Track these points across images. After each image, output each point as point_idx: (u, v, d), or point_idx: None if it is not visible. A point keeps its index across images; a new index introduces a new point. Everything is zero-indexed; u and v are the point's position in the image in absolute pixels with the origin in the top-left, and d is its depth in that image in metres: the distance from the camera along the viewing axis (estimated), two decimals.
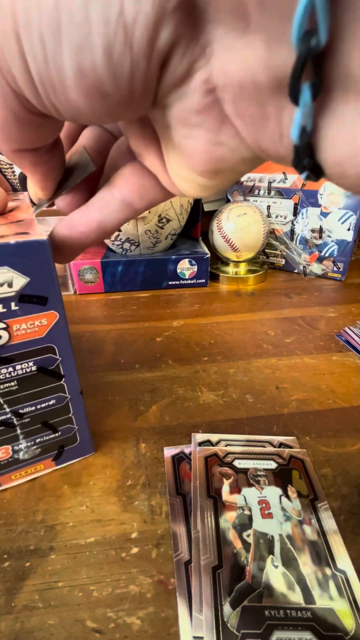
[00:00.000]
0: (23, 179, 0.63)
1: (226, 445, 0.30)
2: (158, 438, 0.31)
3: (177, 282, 0.62)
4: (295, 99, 0.09)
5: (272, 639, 0.19)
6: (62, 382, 0.25)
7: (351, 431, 0.31)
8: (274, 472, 0.27)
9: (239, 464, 0.28)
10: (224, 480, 0.27)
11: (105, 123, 0.13)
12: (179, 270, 0.61)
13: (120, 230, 0.57)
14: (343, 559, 0.22)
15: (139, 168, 0.17)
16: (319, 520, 0.24)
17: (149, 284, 0.61)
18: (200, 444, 0.30)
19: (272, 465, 0.28)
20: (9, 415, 0.24)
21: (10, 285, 0.20)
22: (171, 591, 0.21)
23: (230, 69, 0.10)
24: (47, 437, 0.27)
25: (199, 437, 0.31)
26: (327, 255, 0.63)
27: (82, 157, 0.18)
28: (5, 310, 0.21)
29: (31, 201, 0.26)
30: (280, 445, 0.30)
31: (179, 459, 0.29)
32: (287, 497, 0.26)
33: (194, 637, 0.19)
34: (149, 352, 0.44)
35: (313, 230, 0.62)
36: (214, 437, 0.30)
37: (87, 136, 0.19)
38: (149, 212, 0.54)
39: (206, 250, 0.62)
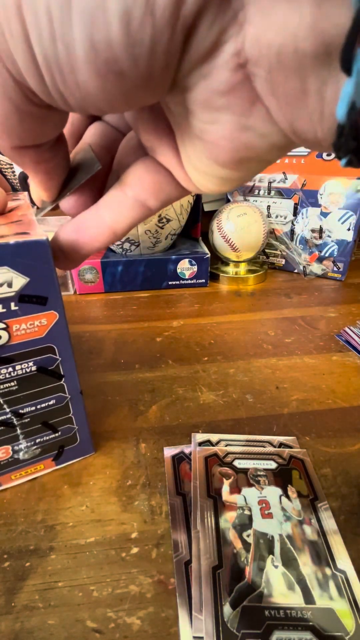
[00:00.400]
0: (23, 179, 0.63)
1: (226, 445, 0.30)
2: (158, 438, 0.31)
3: (177, 282, 0.62)
4: (347, 67, 0.08)
5: (272, 639, 0.19)
6: (62, 382, 0.25)
7: (351, 431, 0.31)
8: (274, 472, 0.27)
9: (239, 464, 0.28)
10: (224, 480, 0.27)
11: (117, 111, 0.12)
12: (179, 270, 0.61)
13: (122, 237, 0.56)
14: (343, 559, 0.22)
15: (151, 164, 0.16)
16: (319, 520, 0.24)
17: (149, 284, 0.61)
18: (200, 444, 0.30)
19: (272, 465, 0.28)
20: (9, 415, 0.24)
21: (10, 285, 0.20)
22: (171, 591, 0.21)
23: (267, 37, 0.09)
24: (47, 437, 0.27)
25: (199, 437, 0.31)
26: (327, 255, 0.63)
27: (87, 155, 0.17)
28: (5, 310, 0.21)
29: (31, 201, 0.26)
30: (280, 445, 0.30)
31: (179, 459, 0.29)
32: (287, 497, 0.26)
33: (194, 637, 0.19)
34: (149, 352, 0.44)
35: (313, 230, 0.62)
36: (214, 437, 0.30)
37: (93, 133, 0.18)
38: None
39: (206, 250, 0.62)
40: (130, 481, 0.27)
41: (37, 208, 0.20)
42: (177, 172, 0.16)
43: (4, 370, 0.23)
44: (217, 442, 0.30)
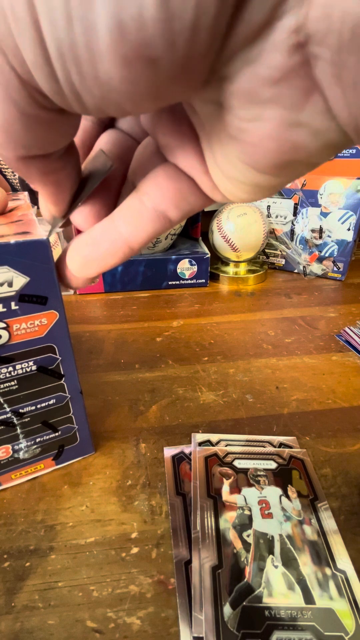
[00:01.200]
0: (23, 179, 0.63)
1: (226, 445, 0.30)
2: (158, 438, 0.31)
3: (177, 282, 0.62)
4: None
5: (272, 639, 0.19)
6: (62, 382, 0.25)
7: (351, 431, 0.31)
8: (274, 472, 0.27)
9: (239, 464, 0.28)
10: (224, 480, 0.27)
11: (142, 111, 0.10)
12: (179, 270, 0.61)
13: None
14: (343, 559, 0.22)
15: (172, 171, 0.14)
16: (319, 520, 0.24)
17: (149, 284, 0.61)
18: (200, 444, 0.30)
19: (272, 465, 0.28)
20: (9, 415, 0.24)
21: (10, 284, 0.20)
22: (171, 591, 0.21)
23: (343, 5, 0.07)
24: (47, 437, 0.27)
25: (199, 437, 0.31)
26: (327, 255, 0.63)
27: (98, 159, 0.16)
28: (5, 309, 0.21)
29: (32, 201, 0.26)
30: (280, 445, 0.30)
31: (179, 459, 0.29)
32: (287, 497, 0.26)
33: (194, 637, 0.19)
34: (149, 352, 0.44)
35: (313, 230, 0.62)
36: (214, 437, 0.30)
37: (105, 141, 0.16)
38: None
39: (206, 250, 0.62)
40: (130, 481, 0.27)
41: (48, 223, 0.19)
42: (201, 179, 0.14)
43: (4, 370, 0.23)
44: (217, 442, 0.30)
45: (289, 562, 0.22)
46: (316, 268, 0.65)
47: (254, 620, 0.19)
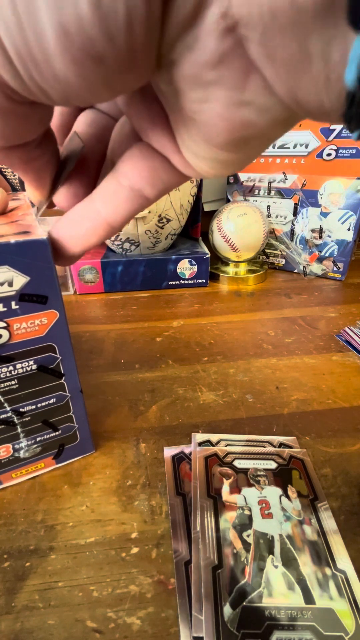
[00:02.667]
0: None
1: (226, 445, 0.30)
2: (158, 438, 0.31)
3: (177, 282, 0.62)
4: (356, 22, 0.07)
5: (272, 639, 0.19)
6: (62, 381, 0.25)
7: (351, 431, 0.31)
8: (274, 472, 0.27)
9: (239, 464, 0.28)
10: (224, 480, 0.27)
11: (103, 100, 0.11)
12: (179, 270, 0.61)
13: (120, 230, 0.57)
14: (343, 559, 0.22)
15: (146, 150, 0.15)
16: (319, 520, 0.24)
17: (149, 284, 0.61)
18: (200, 444, 0.30)
19: (272, 465, 0.28)
20: (9, 414, 0.24)
21: (10, 284, 0.20)
22: (171, 591, 0.21)
23: None
24: (48, 436, 0.27)
25: (199, 437, 0.31)
26: (327, 255, 0.63)
27: (73, 141, 0.17)
28: (5, 309, 0.21)
29: (31, 203, 0.26)
30: (280, 445, 0.30)
31: (179, 459, 0.29)
32: (287, 497, 0.26)
33: (194, 637, 0.19)
34: (149, 352, 0.44)
35: (313, 230, 0.62)
36: (214, 437, 0.30)
37: (83, 122, 0.17)
38: (149, 212, 0.54)
39: (206, 250, 0.62)
40: (130, 481, 0.27)
41: (34, 206, 0.20)
42: (174, 157, 0.14)
43: (4, 369, 0.23)
44: (217, 442, 0.30)
45: (289, 562, 0.22)
46: (316, 268, 0.65)
47: (254, 620, 0.19)
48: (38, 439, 0.27)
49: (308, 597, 0.20)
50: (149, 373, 0.40)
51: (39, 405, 0.25)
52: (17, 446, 0.26)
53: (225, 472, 0.27)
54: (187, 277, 0.61)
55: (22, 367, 0.23)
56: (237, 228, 0.59)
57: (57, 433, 0.27)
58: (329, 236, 0.61)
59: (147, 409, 0.35)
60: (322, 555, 0.22)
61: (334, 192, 0.58)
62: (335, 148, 0.56)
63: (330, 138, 0.56)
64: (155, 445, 0.30)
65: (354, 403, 0.35)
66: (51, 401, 0.26)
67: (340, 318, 0.50)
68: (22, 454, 0.26)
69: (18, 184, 0.64)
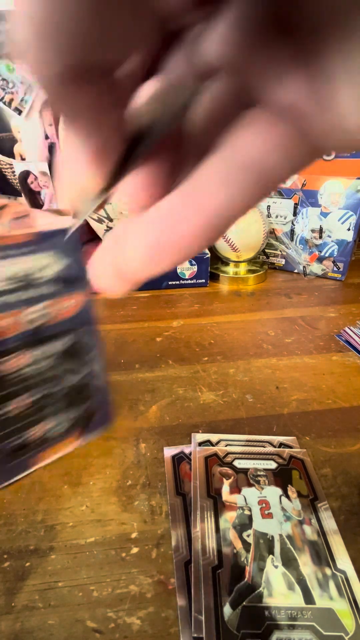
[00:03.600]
0: (23, 178, 0.63)
1: (226, 445, 0.30)
2: (158, 438, 0.31)
3: (177, 282, 0.62)
4: None
5: (272, 639, 0.19)
6: (91, 355, 0.27)
7: (351, 431, 0.31)
8: (274, 472, 0.27)
9: (239, 464, 0.28)
10: (224, 480, 0.27)
11: None
12: (179, 270, 0.61)
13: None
14: (343, 559, 0.22)
15: (265, 117, 0.10)
16: (319, 520, 0.24)
17: (149, 284, 0.61)
18: (200, 444, 0.30)
19: (272, 465, 0.28)
20: (51, 390, 0.26)
21: (47, 269, 0.22)
22: (171, 591, 0.21)
23: None
24: (79, 409, 0.28)
25: (199, 437, 0.31)
26: (327, 255, 0.63)
27: (167, 100, 0.11)
28: (47, 291, 0.23)
29: (34, 205, 0.28)
30: (280, 445, 0.30)
31: (179, 459, 0.29)
32: (287, 497, 0.26)
33: (194, 637, 0.19)
34: (149, 352, 0.43)
35: (313, 230, 0.62)
36: (214, 437, 0.30)
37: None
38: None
39: (206, 250, 0.62)
40: (130, 481, 0.27)
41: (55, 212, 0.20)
42: (312, 118, 0.09)
43: (44, 348, 0.24)
44: (217, 442, 0.30)
45: (289, 562, 0.22)
46: (316, 268, 0.65)
47: (254, 620, 0.19)
48: (72, 413, 0.28)
49: (308, 597, 0.20)
50: (149, 373, 0.40)
51: (71, 382, 0.27)
52: (56, 421, 0.27)
53: (225, 472, 0.27)
54: (187, 277, 0.61)
55: (62, 344, 0.25)
56: (237, 228, 0.59)
57: (85, 405, 0.29)
58: (329, 236, 0.61)
59: (147, 409, 0.35)
60: (322, 555, 0.22)
61: (334, 192, 0.58)
62: None
63: None
64: (155, 445, 0.30)
65: (354, 403, 0.35)
66: (83, 375, 0.27)
67: (340, 318, 0.50)
68: (55, 430, 0.28)
69: (18, 184, 0.64)
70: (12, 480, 0.27)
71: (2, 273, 0.21)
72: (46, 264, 0.22)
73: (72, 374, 0.27)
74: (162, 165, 0.12)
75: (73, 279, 0.24)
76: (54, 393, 0.26)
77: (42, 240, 0.21)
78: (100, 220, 0.59)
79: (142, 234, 0.11)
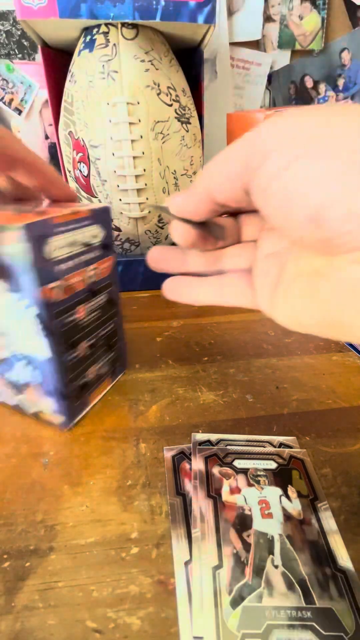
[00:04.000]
0: None
1: (226, 445, 0.30)
2: (158, 438, 0.31)
3: None
4: None
5: (272, 639, 0.19)
6: (116, 309, 0.34)
7: (351, 431, 0.31)
8: (274, 472, 0.27)
9: (239, 464, 0.28)
10: (224, 480, 0.27)
11: None
12: None
13: (120, 230, 0.57)
14: (343, 559, 0.22)
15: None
16: (319, 520, 0.24)
17: (149, 284, 0.61)
18: (200, 444, 0.30)
19: (272, 465, 0.28)
20: (96, 339, 0.32)
21: (97, 237, 0.29)
22: (171, 591, 0.21)
23: None
24: (110, 356, 0.34)
25: (199, 437, 0.31)
26: None
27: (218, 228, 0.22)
28: (95, 255, 0.29)
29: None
30: (280, 445, 0.30)
31: (179, 459, 0.29)
32: (287, 497, 0.26)
33: (194, 637, 0.19)
34: (149, 352, 0.44)
35: None
36: (214, 437, 0.30)
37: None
38: (149, 212, 0.54)
39: None
40: (130, 481, 0.27)
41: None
42: (254, 301, 0.22)
43: (94, 301, 0.30)
44: (217, 442, 0.30)
45: (289, 562, 0.22)
46: None
47: (254, 620, 0.19)
48: (105, 360, 0.34)
49: (308, 597, 0.20)
50: (149, 373, 0.40)
51: (108, 329, 0.33)
52: (98, 366, 0.33)
53: (225, 472, 0.27)
54: None
55: (101, 299, 0.31)
56: None
57: (112, 354, 0.35)
58: None
59: (147, 409, 0.35)
60: (322, 555, 0.22)
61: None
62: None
63: None
64: (155, 445, 0.30)
65: (354, 403, 0.35)
66: (112, 326, 0.34)
67: None
68: (103, 370, 0.34)
69: None
70: (78, 418, 0.33)
71: (80, 239, 0.27)
72: (96, 233, 0.29)
73: (108, 323, 0.33)
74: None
75: (108, 245, 0.31)
76: (100, 338, 0.32)
77: (94, 216, 0.28)
78: None
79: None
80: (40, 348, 0.27)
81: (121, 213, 0.54)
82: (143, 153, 0.49)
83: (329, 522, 0.24)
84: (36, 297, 0.25)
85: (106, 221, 0.30)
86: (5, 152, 0.26)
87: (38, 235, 0.23)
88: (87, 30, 0.48)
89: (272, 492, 0.26)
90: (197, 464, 0.28)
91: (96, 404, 0.34)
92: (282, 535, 0.23)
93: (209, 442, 0.30)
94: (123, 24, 0.46)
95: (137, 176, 0.51)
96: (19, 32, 0.66)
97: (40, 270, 0.24)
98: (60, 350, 0.28)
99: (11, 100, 0.69)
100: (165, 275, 0.24)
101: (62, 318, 0.27)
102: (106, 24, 0.46)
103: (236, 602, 0.20)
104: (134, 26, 0.46)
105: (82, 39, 0.49)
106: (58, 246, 0.25)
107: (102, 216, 0.29)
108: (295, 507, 0.25)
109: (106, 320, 0.32)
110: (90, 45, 0.47)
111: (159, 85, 0.48)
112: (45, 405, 0.31)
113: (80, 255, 0.28)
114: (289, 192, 0.14)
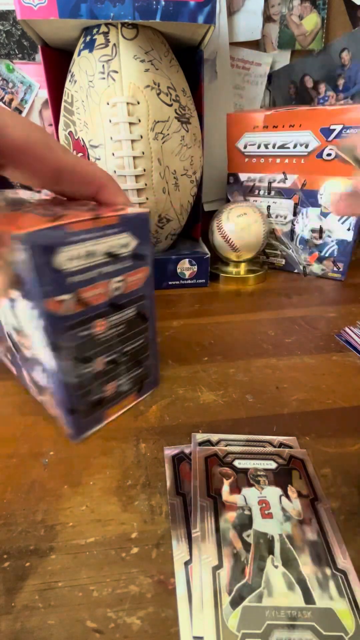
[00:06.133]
0: None
1: (226, 445, 0.30)
2: (158, 438, 0.31)
3: (177, 282, 0.62)
4: None
5: (272, 639, 0.19)
6: (147, 325, 0.31)
7: (351, 431, 0.31)
8: (274, 472, 0.27)
9: (239, 464, 0.28)
10: (224, 480, 0.27)
11: None
12: (179, 270, 0.61)
13: None
14: (343, 559, 0.22)
15: None
16: (319, 520, 0.24)
17: None
18: (200, 444, 0.30)
19: (272, 465, 0.28)
20: (118, 354, 0.30)
21: (127, 246, 0.26)
22: (171, 591, 0.21)
23: None
24: (136, 372, 0.32)
25: (199, 437, 0.31)
26: (327, 255, 0.63)
27: None
28: (124, 266, 0.27)
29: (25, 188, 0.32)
30: (280, 445, 0.30)
31: (179, 459, 0.29)
32: (287, 497, 0.26)
33: (194, 637, 0.19)
34: None
35: (313, 230, 0.62)
36: (214, 437, 0.30)
37: None
38: (149, 211, 0.54)
39: (206, 250, 0.62)
40: (130, 481, 0.27)
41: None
42: None
43: (118, 315, 0.28)
44: (217, 442, 0.30)
45: (289, 562, 0.22)
46: (316, 268, 0.65)
47: (254, 620, 0.19)
48: (131, 375, 0.32)
49: (308, 597, 0.20)
50: None
51: (134, 345, 0.31)
52: (119, 382, 0.31)
53: (225, 472, 0.27)
54: (187, 277, 0.61)
55: (128, 313, 0.29)
56: (237, 228, 0.59)
57: (141, 370, 0.32)
58: (328, 236, 0.61)
59: (147, 409, 0.35)
60: (322, 555, 0.22)
61: (334, 192, 0.58)
62: (335, 148, 0.56)
63: (330, 138, 0.56)
64: (155, 445, 0.30)
65: (354, 403, 0.35)
66: (141, 342, 0.31)
67: (340, 318, 0.50)
68: (123, 387, 0.32)
69: (18, 183, 0.64)
70: (90, 432, 0.31)
71: (102, 248, 0.25)
72: (126, 243, 0.26)
73: (135, 339, 0.30)
74: None
75: (142, 255, 0.28)
76: (123, 355, 0.30)
77: (125, 223, 0.26)
78: None
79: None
80: (49, 359, 0.26)
81: None
82: (143, 153, 0.49)
83: (329, 522, 0.24)
84: (42, 308, 0.23)
85: (141, 229, 0.27)
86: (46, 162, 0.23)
87: (43, 245, 0.21)
88: (87, 30, 0.48)
89: (272, 492, 0.26)
90: (197, 464, 0.28)
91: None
92: (282, 535, 0.23)
93: (209, 442, 0.30)
94: (123, 24, 0.46)
95: (137, 176, 0.51)
96: (19, 32, 0.66)
97: (45, 281, 0.22)
98: (69, 365, 0.26)
99: (11, 100, 0.69)
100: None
101: (74, 332, 0.25)
102: (106, 24, 0.46)
103: (236, 602, 0.20)
104: (134, 26, 0.46)
105: (82, 39, 0.49)
106: (73, 256, 0.23)
107: (135, 223, 0.26)
108: (295, 507, 0.25)
109: (133, 335, 0.30)
110: (90, 45, 0.47)
111: (159, 85, 0.48)
112: (57, 413, 0.30)
113: (103, 266, 0.25)
114: None
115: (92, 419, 0.31)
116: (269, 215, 0.66)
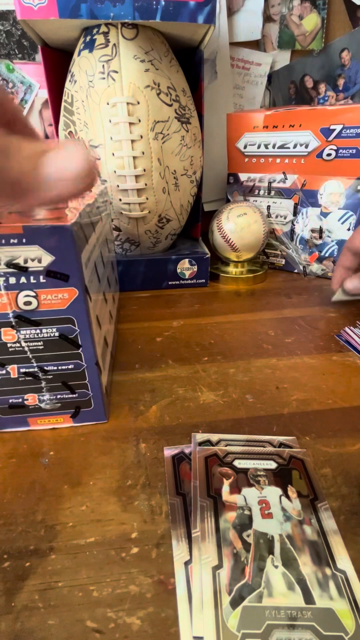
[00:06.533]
0: None
1: (226, 445, 0.30)
2: (158, 438, 0.31)
3: (177, 282, 0.62)
4: None
5: (272, 639, 0.19)
6: (79, 351, 0.29)
7: (351, 431, 0.31)
8: (274, 472, 0.27)
9: (239, 464, 0.28)
10: (224, 480, 0.27)
11: None
12: (179, 270, 0.61)
13: (120, 230, 0.57)
14: (343, 559, 0.22)
15: None
16: (319, 520, 0.24)
17: (149, 284, 0.61)
18: (200, 444, 0.30)
19: (272, 465, 0.28)
20: (35, 369, 0.29)
21: (39, 261, 0.25)
22: (171, 591, 0.21)
23: None
24: (66, 396, 0.31)
25: (199, 437, 0.31)
26: (327, 255, 0.63)
27: None
28: (35, 281, 0.25)
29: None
30: (280, 445, 0.30)
31: (179, 459, 0.29)
32: (287, 497, 0.26)
33: (194, 637, 0.19)
34: (149, 352, 0.44)
35: (313, 230, 0.62)
36: (214, 437, 0.30)
37: None
38: (149, 212, 0.54)
39: (206, 250, 0.62)
40: (130, 481, 0.27)
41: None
42: None
43: (32, 331, 0.27)
44: (217, 442, 0.30)
45: (289, 562, 0.22)
46: (316, 268, 0.65)
47: (254, 620, 0.19)
48: (58, 396, 0.31)
49: (308, 597, 0.20)
50: (149, 373, 0.40)
51: (59, 367, 0.29)
52: (40, 397, 0.30)
53: (225, 472, 0.27)
54: (187, 277, 0.61)
55: (47, 332, 0.28)
56: (237, 228, 0.59)
57: (74, 395, 0.31)
58: (328, 236, 0.61)
59: (147, 409, 0.35)
60: (322, 555, 0.22)
61: (334, 192, 0.58)
62: (335, 148, 0.56)
63: (330, 138, 0.56)
64: (155, 445, 0.30)
65: (354, 403, 0.35)
66: (70, 367, 0.29)
67: (340, 318, 0.50)
68: (43, 405, 0.31)
69: None
70: (10, 429, 0.32)
71: (2, 257, 0.24)
72: (36, 256, 0.24)
73: (61, 361, 0.29)
74: None
75: (63, 275, 0.26)
76: (44, 372, 0.29)
77: (29, 235, 0.24)
78: None
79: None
80: None
81: (121, 213, 0.54)
82: (143, 153, 0.50)
83: (329, 522, 0.24)
84: None
85: (59, 245, 0.24)
86: None
87: None
88: (87, 30, 0.48)
89: (272, 492, 0.26)
90: (197, 464, 0.28)
91: (43, 430, 0.32)
92: (282, 535, 0.23)
93: (209, 442, 0.30)
94: (123, 24, 0.46)
95: (137, 176, 0.51)
96: (19, 32, 0.66)
97: None
98: None
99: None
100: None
101: None
102: (106, 24, 0.46)
103: (236, 602, 0.20)
104: (134, 26, 0.46)
105: (82, 39, 0.49)
106: None
107: (47, 236, 0.24)
108: (295, 507, 0.25)
109: (56, 357, 0.29)
110: (90, 45, 0.47)
111: (159, 85, 0.48)
112: None
113: (4, 275, 0.25)
114: None
115: (12, 419, 0.32)
116: (269, 215, 0.66)
